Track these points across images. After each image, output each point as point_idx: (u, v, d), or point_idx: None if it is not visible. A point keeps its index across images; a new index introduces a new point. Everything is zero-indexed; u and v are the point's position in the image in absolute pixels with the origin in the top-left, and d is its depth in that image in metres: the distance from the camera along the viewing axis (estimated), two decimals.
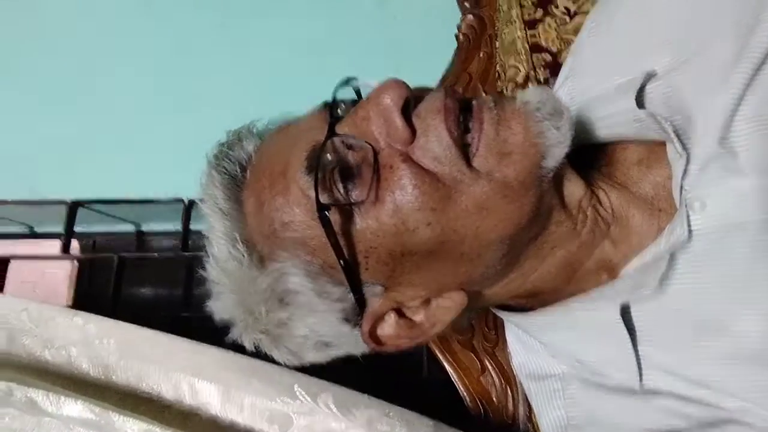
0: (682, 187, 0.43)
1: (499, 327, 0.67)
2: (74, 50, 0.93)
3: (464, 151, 0.40)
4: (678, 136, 0.43)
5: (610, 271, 0.46)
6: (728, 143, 0.42)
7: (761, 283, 0.40)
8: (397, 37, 0.91)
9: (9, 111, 0.92)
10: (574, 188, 0.45)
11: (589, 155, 0.49)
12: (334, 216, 0.41)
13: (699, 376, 0.41)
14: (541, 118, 0.41)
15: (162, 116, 0.90)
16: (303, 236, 0.42)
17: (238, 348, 0.61)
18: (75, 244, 0.93)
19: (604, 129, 0.48)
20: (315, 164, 0.40)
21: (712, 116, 0.42)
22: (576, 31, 0.65)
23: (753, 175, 0.41)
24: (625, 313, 0.43)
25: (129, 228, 0.97)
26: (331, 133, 0.41)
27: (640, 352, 0.43)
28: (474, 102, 0.42)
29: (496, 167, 0.40)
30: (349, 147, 0.42)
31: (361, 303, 0.44)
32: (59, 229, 0.92)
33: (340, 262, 0.41)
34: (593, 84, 0.49)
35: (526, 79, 0.66)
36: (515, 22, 0.68)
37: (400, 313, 0.47)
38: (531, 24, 0.67)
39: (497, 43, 0.74)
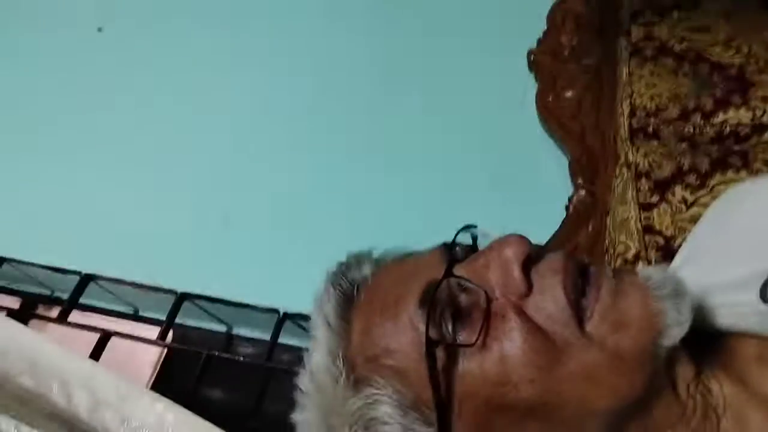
0: None
1: None
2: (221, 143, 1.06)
3: (579, 315, 0.41)
4: None
5: None
6: None
7: None
8: (506, 200, 0.95)
9: (145, 188, 1.03)
10: (684, 371, 0.43)
11: (703, 343, 0.47)
12: (439, 353, 0.41)
13: None
14: (662, 296, 0.40)
15: (278, 230, 0.97)
16: (404, 367, 0.43)
17: None
18: (169, 336, 0.98)
19: (722, 318, 0.46)
20: (429, 299, 0.42)
21: None
22: (693, 220, 0.65)
23: None
24: None
25: (221, 328, 1.01)
26: (449, 272, 0.43)
27: None
28: (592, 268, 0.42)
29: (609, 336, 0.40)
30: (464, 290, 0.43)
31: None
32: (159, 315, 0.98)
33: (435, 400, 0.41)
34: (712, 272, 0.49)
35: (636, 257, 0.66)
36: (629, 202, 0.70)
37: None
38: (646, 207, 0.69)
39: (608, 220, 0.75)
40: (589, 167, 0.81)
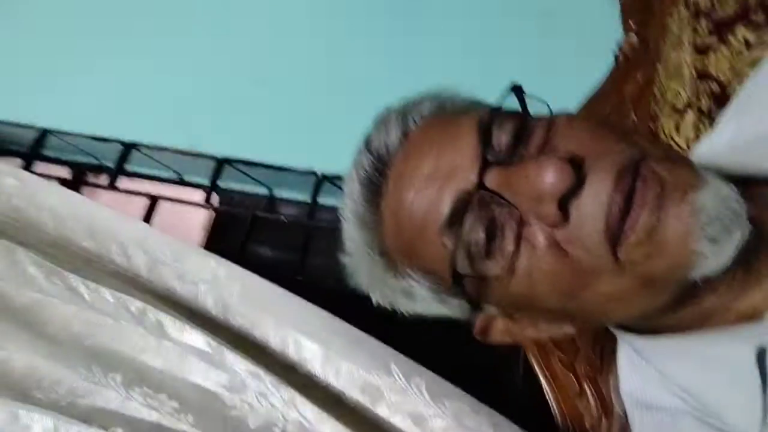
0: None
1: (606, 355, 0.64)
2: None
3: (614, 243, 0.39)
4: None
5: (753, 316, 0.43)
6: None
7: None
8: (552, 47, 0.89)
9: (182, 55, 1.01)
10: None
11: (752, 190, 0.46)
12: (467, 277, 0.42)
13: None
14: (707, 236, 0.37)
15: (314, 93, 0.96)
16: (436, 269, 0.44)
17: (345, 319, 0.65)
18: (215, 198, 1.02)
19: None
20: (458, 221, 0.41)
21: None
22: (753, 64, 0.60)
23: None
24: (762, 358, 0.40)
25: (263, 191, 1.04)
26: (481, 183, 0.41)
27: None
28: (639, 183, 0.38)
29: (640, 262, 0.39)
30: (498, 204, 0.41)
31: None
32: (203, 180, 1.02)
33: (467, 303, 0.44)
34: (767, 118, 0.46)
35: (687, 105, 0.63)
36: (685, 45, 0.65)
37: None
38: (702, 50, 0.64)
39: (660, 66, 0.71)
40: (642, 7, 0.75)
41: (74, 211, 0.78)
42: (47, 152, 1.07)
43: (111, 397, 0.66)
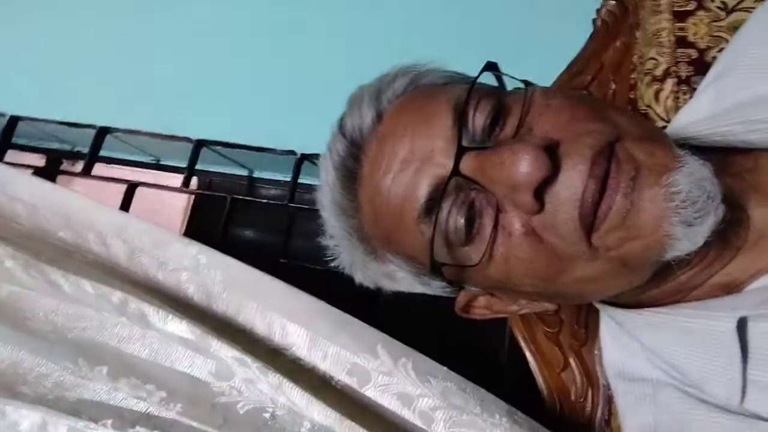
0: None
1: (590, 326, 0.65)
2: None
3: (588, 230, 0.39)
4: None
5: (732, 288, 0.43)
6: None
7: None
8: (530, 17, 0.88)
9: (156, 41, 0.98)
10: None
11: (731, 160, 0.46)
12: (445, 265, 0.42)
13: None
14: (681, 219, 0.37)
15: (290, 74, 0.93)
16: (415, 255, 0.44)
17: (330, 300, 0.65)
18: (194, 181, 1.00)
19: (755, 134, 0.44)
20: (435, 211, 0.40)
21: None
22: (731, 28, 0.60)
23: None
24: (741, 328, 0.40)
25: (243, 172, 1.03)
26: (456, 170, 0.40)
27: (748, 373, 0.40)
28: (613, 166, 0.38)
29: (614, 247, 0.39)
30: (473, 189, 0.41)
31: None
32: (182, 163, 1.00)
33: (447, 288, 0.44)
34: (747, 83, 0.46)
35: (666, 73, 0.62)
36: (663, 12, 0.64)
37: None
38: (681, 16, 0.63)
39: (638, 33, 0.69)
40: None
41: (48, 201, 0.77)
42: (19, 140, 1.05)
43: (98, 389, 0.65)
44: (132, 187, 0.90)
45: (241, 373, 0.63)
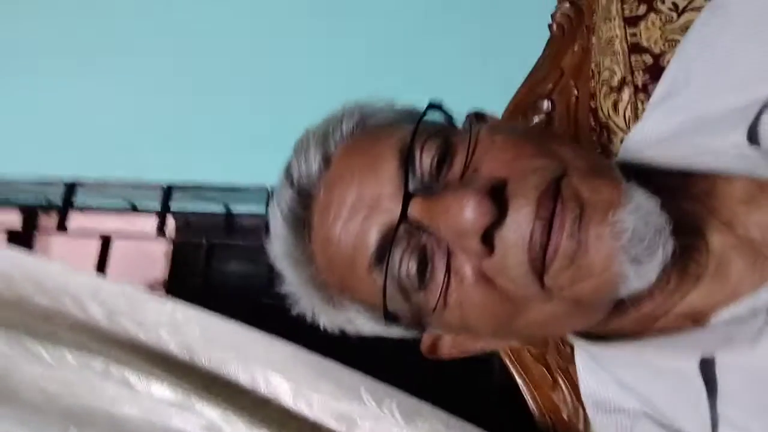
0: None
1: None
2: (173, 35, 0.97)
3: (539, 271, 0.38)
4: None
5: (696, 319, 0.43)
6: None
7: None
8: (486, 25, 0.86)
9: (112, 93, 0.98)
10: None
11: (690, 183, 0.45)
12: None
13: None
14: (631, 257, 0.37)
15: (256, 110, 0.92)
16: (372, 303, 0.43)
17: (311, 346, 0.64)
18: (171, 223, 1.00)
19: (709, 158, 0.43)
20: (386, 259, 0.40)
21: None
22: (683, 30, 0.59)
23: None
24: (708, 365, 0.40)
25: (219, 209, 1.02)
26: (404, 215, 0.39)
27: (718, 410, 0.39)
28: (558, 205, 0.37)
29: (567, 287, 0.38)
30: (424, 233, 0.40)
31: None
32: (157, 206, 0.99)
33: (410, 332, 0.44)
34: (700, 102, 0.45)
35: (622, 82, 0.61)
36: (614, 18, 0.63)
37: None
38: (632, 21, 0.61)
39: (593, 39, 0.68)
40: None
41: (23, 269, 0.76)
42: None
43: None
44: (107, 241, 0.89)
45: (229, 430, 0.62)
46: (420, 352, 0.70)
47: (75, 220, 0.97)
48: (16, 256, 0.77)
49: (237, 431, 0.62)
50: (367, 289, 0.42)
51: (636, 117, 0.58)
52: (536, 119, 0.74)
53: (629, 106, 0.59)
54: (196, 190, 0.93)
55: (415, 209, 0.39)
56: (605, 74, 0.63)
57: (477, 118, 0.48)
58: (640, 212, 0.37)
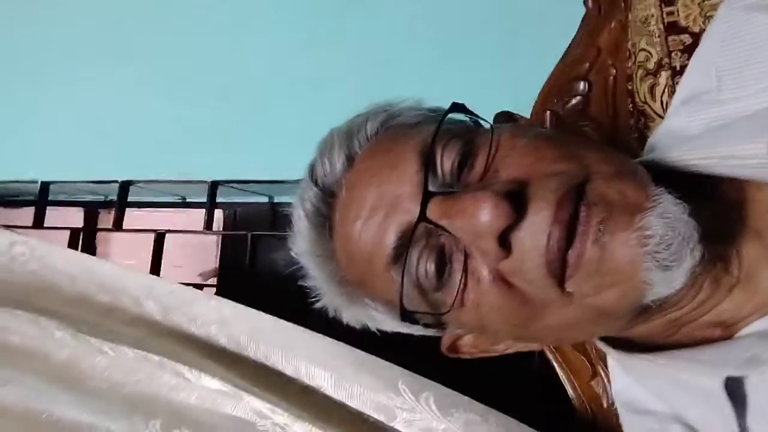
0: None
1: None
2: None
3: (560, 275, 0.37)
4: None
5: (725, 328, 0.41)
6: None
7: None
8: (517, 3, 0.84)
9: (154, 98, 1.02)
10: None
11: (720, 187, 0.43)
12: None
13: None
14: (657, 264, 0.35)
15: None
16: (390, 300, 0.43)
17: (349, 340, 0.66)
18: (219, 214, 1.04)
19: (734, 165, 0.41)
20: (403, 259, 0.40)
21: None
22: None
23: None
24: (737, 380, 0.39)
25: (263, 199, 1.05)
26: (423, 215, 0.39)
27: (748, 425, 0.38)
28: (582, 218, 0.36)
29: (590, 294, 0.37)
30: (442, 234, 0.40)
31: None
32: (204, 198, 1.03)
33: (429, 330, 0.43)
34: (726, 102, 0.42)
35: (659, 66, 0.58)
36: None
37: None
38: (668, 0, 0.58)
39: (630, 16, 0.65)
40: None
41: (83, 270, 0.81)
42: (57, 197, 1.11)
43: None
44: (160, 236, 0.94)
45: (277, 418, 0.66)
46: None
47: (130, 215, 1.03)
48: (74, 255, 0.82)
49: (281, 421, 0.65)
50: (386, 287, 0.42)
51: None
52: (573, 102, 0.72)
53: (666, 90, 0.57)
54: (240, 183, 0.96)
55: (433, 210, 0.39)
56: (641, 56, 0.60)
57: (505, 118, 0.47)
58: (667, 218, 0.36)
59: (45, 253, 0.84)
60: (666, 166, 0.42)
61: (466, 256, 0.39)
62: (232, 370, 0.69)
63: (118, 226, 0.99)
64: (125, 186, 1.00)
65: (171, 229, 0.96)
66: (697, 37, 0.56)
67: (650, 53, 0.59)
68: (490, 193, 0.37)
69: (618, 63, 0.69)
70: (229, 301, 0.71)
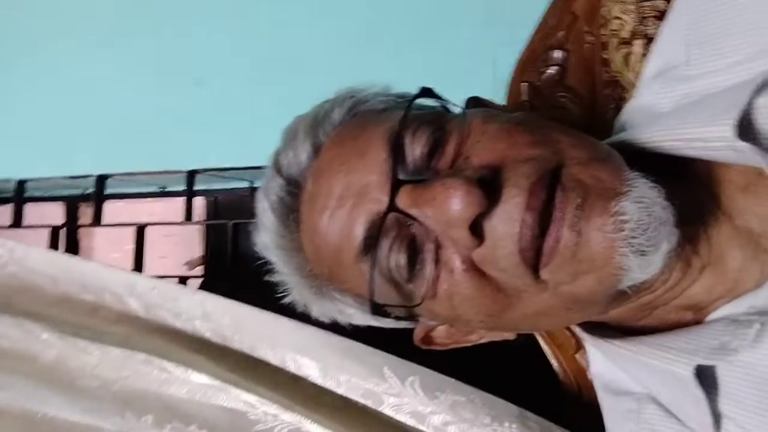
0: None
1: None
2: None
3: (534, 263, 0.37)
4: None
5: (696, 311, 0.41)
6: None
7: None
8: None
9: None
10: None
11: (690, 165, 0.42)
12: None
13: None
14: (632, 249, 0.35)
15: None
16: (360, 293, 0.43)
17: (334, 328, 0.66)
18: (200, 201, 1.03)
19: (700, 147, 0.40)
20: (373, 250, 0.39)
21: None
22: None
23: None
24: (700, 372, 0.39)
25: (245, 184, 1.04)
26: (392, 206, 0.38)
27: (720, 408, 0.38)
28: (557, 206, 0.36)
29: (565, 282, 0.37)
30: (412, 224, 0.39)
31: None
32: (183, 186, 1.02)
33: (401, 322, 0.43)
34: (695, 78, 0.41)
35: (633, 34, 0.56)
36: None
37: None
38: None
39: None
40: None
41: (64, 270, 0.80)
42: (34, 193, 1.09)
43: None
44: (141, 229, 0.93)
45: (267, 408, 0.66)
46: None
47: (110, 207, 1.02)
48: (58, 257, 0.81)
49: (273, 409, 0.65)
50: (355, 281, 0.42)
51: None
52: (550, 71, 0.70)
53: (641, 60, 0.55)
54: (217, 171, 0.94)
55: (402, 198, 0.38)
56: (614, 24, 0.58)
57: (475, 103, 0.46)
58: (643, 202, 0.35)
59: (23, 255, 0.83)
60: (638, 147, 0.41)
61: (438, 246, 0.38)
62: (220, 364, 0.69)
63: (96, 221, 0.98)
64: (102, 180, 0.98)
65: (151, 221, 0.95)
66: (671, 2, 0.55)
67: (624, 21, 0.57)
68: (461, 180, 0.36)
69: (594, 30, 0.67)
70: (213, 295, 0.71)
